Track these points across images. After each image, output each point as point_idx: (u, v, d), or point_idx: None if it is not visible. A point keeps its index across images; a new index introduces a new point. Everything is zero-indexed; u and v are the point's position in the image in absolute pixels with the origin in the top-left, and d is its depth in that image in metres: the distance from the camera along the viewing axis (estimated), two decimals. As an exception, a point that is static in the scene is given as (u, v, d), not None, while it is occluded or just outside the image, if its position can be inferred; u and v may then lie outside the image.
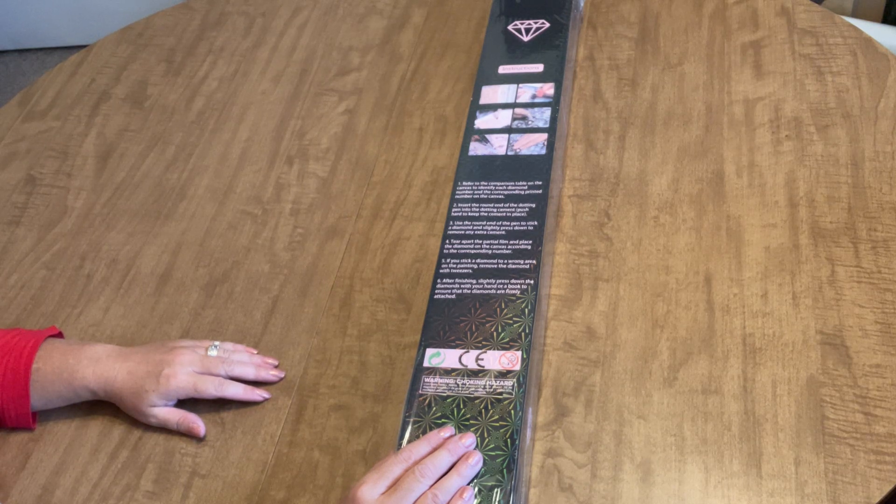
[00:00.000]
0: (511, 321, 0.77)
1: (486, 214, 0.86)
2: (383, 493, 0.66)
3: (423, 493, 0.66)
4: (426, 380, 0.75)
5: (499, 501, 0.67)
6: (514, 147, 0.91)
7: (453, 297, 0.80)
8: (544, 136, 0.92)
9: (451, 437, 0.70)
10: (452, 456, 0.69)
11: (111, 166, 1.05)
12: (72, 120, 1.12)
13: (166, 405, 0.79)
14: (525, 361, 0.75)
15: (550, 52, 1.00)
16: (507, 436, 0.70)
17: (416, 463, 0.68)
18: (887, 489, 0.69)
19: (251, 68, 1.14)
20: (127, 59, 1.19)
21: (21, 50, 2.43)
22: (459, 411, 0.72)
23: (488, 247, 0.83)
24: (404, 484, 0.66)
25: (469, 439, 0.70)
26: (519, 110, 0.95)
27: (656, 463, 0.72)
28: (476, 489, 0.68)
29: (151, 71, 1.17)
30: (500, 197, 0.87)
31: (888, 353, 0.76)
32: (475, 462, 0.69)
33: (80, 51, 1.22)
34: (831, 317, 0.79)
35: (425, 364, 0.76)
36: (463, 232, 0.85)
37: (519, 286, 0.80)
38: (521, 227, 0.84)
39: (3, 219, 1.01)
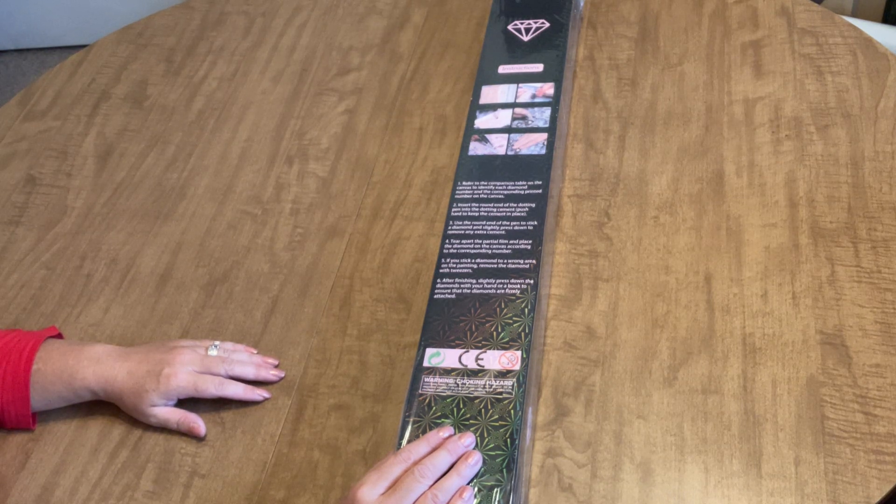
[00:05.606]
0: (511, 321, 0.77)
1: (485, 214, 0.86)
2: (383, 494, 0.66)
3: (422, 494, 0.66)
4: (426, 379, 0.75)
5: (498, 501, 0.67)
6: (514, 147, 0.91)
7: (453, 296, 0.80)
8: (544, 135, 0.92)
9: (451, 436, 0.70)
10: (452, 456, 0.69)
11: (111, 166, 1.05)
12: (72, 120, 1.12)
13: (166, 405, 0.79)
14: (525, 361, 0.75)
15: (550, 51, 1.00)
16: (507, 435, 0.70)
17: (416, 463, 0.68)
18: (887, 489, 0.69)
19: (251, 68, 1.14)
20: (127, 58, 1.19)
21: (21, 50, 2.43)
22: (459, 411, 0.72)
23: (488, 246, 0.83)
24: (404, 484, 0.66)
25: (468, 439, 0.70)
26: (519, 110, 0.95)
27: (656, 463, 0.72)
28: (476, 489, 0.68)
29: (151, 71, 1.17)
30: (499, 197, 0.87)
31: (888, 353, 0.76)
32: (475, 462, 0.69)
33: (80, 51, 1.22)
34: (831, 317, 0.79)
35: (425, 364, 0.76)
36: (463, 232, 0.85)
37: (518, 286, 0.80)
38: (521, 227, 0.84)
39: (3, 219, 1.01)
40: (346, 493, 0.67)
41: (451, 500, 0.66)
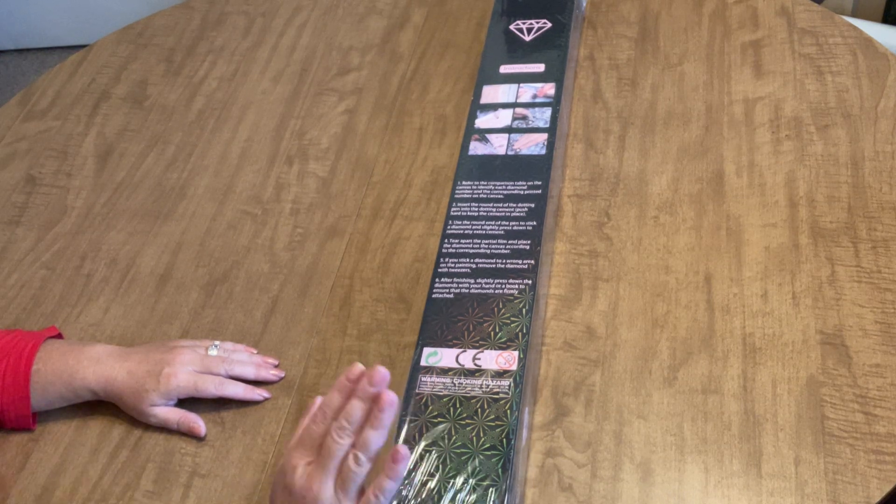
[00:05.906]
0: (508, 321, 0.77)
1: (485, 214, 0.86)
2: (309, 462, 0.63)
3: (345, 454, 0.62)
4: (423, 379, 0.75)
5: (493, 501, 0.67)
6: (514, 147, 0.91)
7: (451, 296, 0.80)
8: (544, 135, 0.92)
9: (362, 376, 0.63)
10: (365, 403, 0.63)
11: (111, 166, 1.05)
12: (72, 120, 1.12)
13: (167, 405, 0.79)
14: (521, 362, 0.75)
15: (552, 51, 1.00)
16: (503, 435, 0.70)
17: (334, 419, 0.63)
18: (887, 489, 0.69)
19: (251, 68, 1.14)
20: (127, 58, 1.19)
21: (21, 50, 2.43)
22: (456, 410, 0.72)
23: (487, 246, 0.83)
24: (324, 450, 0.62)
25: (378, 376, 0.62)
26: (519, 110, 0.95)
27: (656, 463, 0.72)
28: (471, 486, 0.68)
29: (151, 71, 1.17)
30: (499, 196, 0.87)
31: (888, 353, 0.76)
32: (389, 406, 0.61)
33: (80, 51, 1.22)
34: (831, 317, 0.79)
35: (422, 363, 0.76)
36: (462, 231, 0.85)
37: (517, 286, 0.80)
38: (520, 227, 0.84)
39: (3, 219, 1.01)
40: (280, 461, 0.64)
41: (390, 463, 0.61)
